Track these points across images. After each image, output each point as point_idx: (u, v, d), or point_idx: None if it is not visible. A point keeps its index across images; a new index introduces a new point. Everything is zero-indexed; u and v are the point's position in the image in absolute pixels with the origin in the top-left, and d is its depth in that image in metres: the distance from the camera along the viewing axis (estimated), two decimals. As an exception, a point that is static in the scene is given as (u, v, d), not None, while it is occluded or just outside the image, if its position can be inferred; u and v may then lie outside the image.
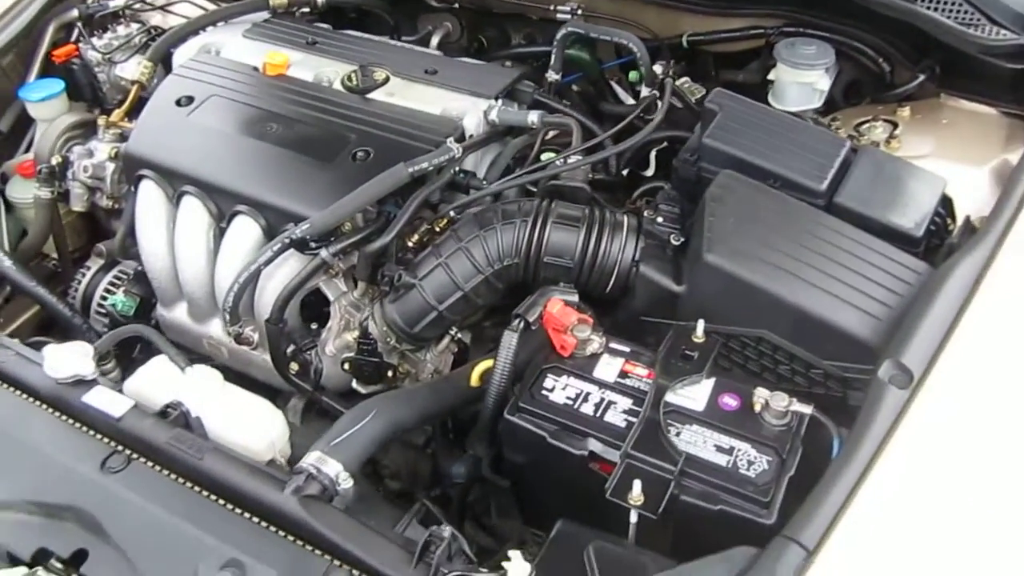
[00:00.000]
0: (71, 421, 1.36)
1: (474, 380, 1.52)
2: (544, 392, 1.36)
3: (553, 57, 2.00)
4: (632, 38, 1.90)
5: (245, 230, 1.68)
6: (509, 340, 1.40)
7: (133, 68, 2.12)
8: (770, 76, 1.89)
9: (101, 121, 1.93)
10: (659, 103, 1.85)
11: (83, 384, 1.38)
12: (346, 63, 1.94)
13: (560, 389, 1.37)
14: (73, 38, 2.19)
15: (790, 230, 1.46)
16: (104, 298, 1.94)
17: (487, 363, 1.51)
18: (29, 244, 1.92)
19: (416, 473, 1.72)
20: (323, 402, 1.67)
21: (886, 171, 1.54)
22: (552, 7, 2.12)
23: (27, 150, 2.12)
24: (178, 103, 1.85)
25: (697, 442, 1.27)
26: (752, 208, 1.49)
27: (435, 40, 2.39)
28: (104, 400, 1.36)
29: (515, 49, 2.30)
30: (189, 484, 1.26)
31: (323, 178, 1.67)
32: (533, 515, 1.47)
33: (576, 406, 1.34)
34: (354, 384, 1.65)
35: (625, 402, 1.34)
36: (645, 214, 1.58)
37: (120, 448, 1.31)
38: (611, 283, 1.55)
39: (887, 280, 1.39)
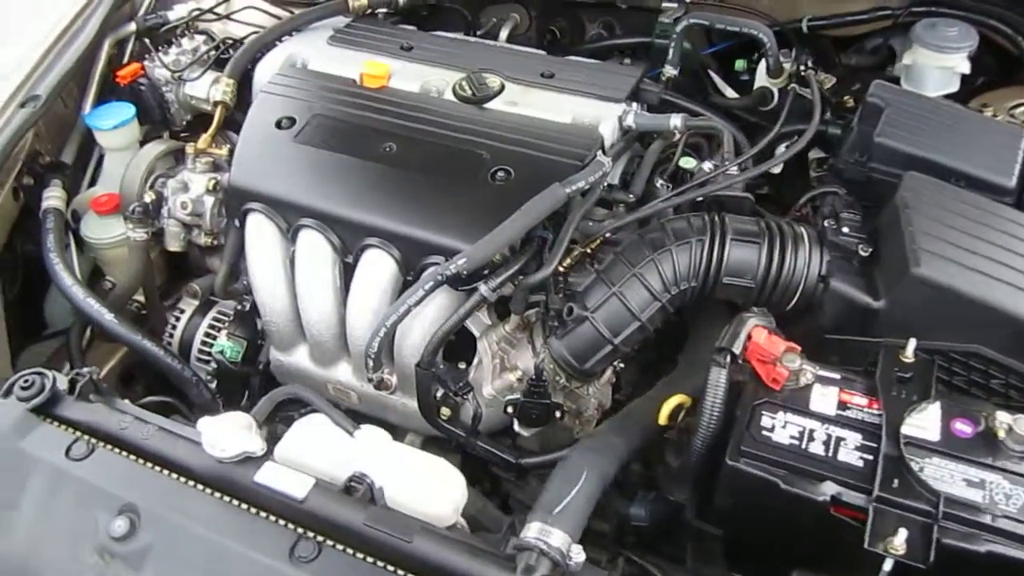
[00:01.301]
0: (244, 505, 1.22)
1: (663, 419, 1.41)
2: (765, 433, 1.25)
3: (671, 51, 1.87)
4: (761, 27, 1.78)
5: (378, 265, 1.55)
6: (718, 377, 1.28)
7: (206, 86, 1.94)
8: (905, 60, 1.78)
9: (190, 149, 1.76)
10: (789, 98, 1.73)
11: (251, 461, 1.24)
12: (450, 70, 1.80)
13: (780, 428, 1.26)
14: (131, 55, 2.00)
15: (994, 234, 1.36)
16: (206, 343, 1.79)
17: (677, 399, 1.40)
18: (123, 291, 1.75)
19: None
20: (478, 448, 1.55)
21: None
22: (661, -3, 1.98)
23: (92, 183, 1.94)
24: (278, 125, 1.70)
25: (944, 477, 1.17)
26: (948, 212, 1.38)
27: (503, 33, 2.26)
28: (281, 479, 1.22)
29: (605, 41, 2.15)
30: (397, 570, 1.14)
31: (462, 203, 1.54)
32: (740, 561, 1.37)
33: (804, 446, 1.23)
34: (516, 427, 1.53)
35: (854, 437, 1.24)
36: (825, 224, 1.46)
37: (308, 533, 1.18)
38: (794, 301, 1.44)
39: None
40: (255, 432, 1.27)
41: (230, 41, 1.97)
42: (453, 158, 1.60)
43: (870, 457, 1.21)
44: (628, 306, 1.43)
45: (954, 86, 1.76)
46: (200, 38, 2.02)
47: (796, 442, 1.24)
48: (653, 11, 2.14)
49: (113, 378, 1.90)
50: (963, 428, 1.23)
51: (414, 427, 1.67)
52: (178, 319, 1.82)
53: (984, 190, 1.43)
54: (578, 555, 1.14)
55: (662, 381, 1.53)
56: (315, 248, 1.58)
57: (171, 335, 1.82)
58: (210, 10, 2.03)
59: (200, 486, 1.25)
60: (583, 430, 1.55)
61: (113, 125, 1.84)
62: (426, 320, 1.50)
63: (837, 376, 1.32)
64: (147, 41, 1.95)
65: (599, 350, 1.45)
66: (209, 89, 1.95)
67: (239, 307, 1.81)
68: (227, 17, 2.04)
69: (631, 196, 1.61)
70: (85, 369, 1.41)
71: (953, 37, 1.71)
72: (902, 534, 1.10)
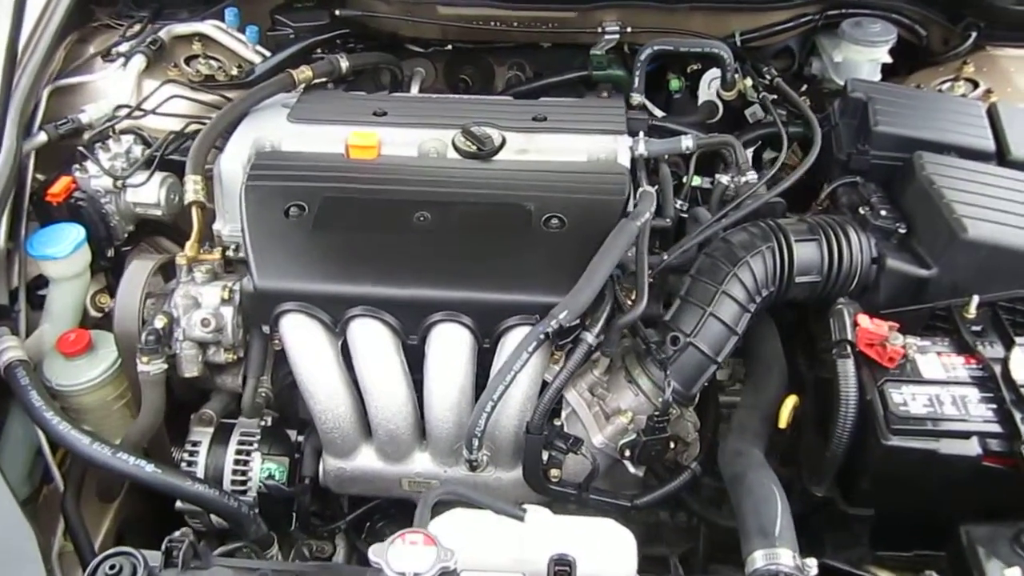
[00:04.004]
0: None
1: (783, 422, 1.45)
2: (903, 408, 1.33)
3: (636, 79, 1.93)
4: (721, 45, 1.90)
5: (453, 339, 1.45)
6: (848, 368, 1.34)
7: (155, 189, 1.73)
8: (836, 57, 1.98)
9: (182, 260, 1.54)
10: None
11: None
12: (437, 129, 1.73)
13: (911, 400, 1.34)
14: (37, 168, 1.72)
15: (1005, 191, 1.54)
16: (239, 472, 1.57)
17: (792, 401, 1.45)
18: (139, 436, 1.49)
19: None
20: (591, 501, 1.49)
21: (1030, 121, 1.68)
22: (600, 28, 2.04)
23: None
24: (286, 215, 1.54)
25: (1060, 411, 1.32)
26: (965, 180, 1.55)
27: (415, 88, 2.23)
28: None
29: (546, 80, 2.17)
30: None
31: (525, 257, 1.49)
32: (885, 540, 1.43)
33: (939, 411, 1.33)
34: (631, 469, 1.50)
35: (973, 392, 1.35)
36: (860, 210, 1.58)
37: None
38: (853, 285, 1.54)
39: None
40: (436, 546, 1.14)
41: (171, 136, 1.76)
42: (495, 215, 1.55)
43: (996, 406, 1.33)
44: (724, 323, 1.45)
45: (878, 76, 1.98)
46: (127, 138, 1.79)
47: (930, 409, 1.33)
48: (570, 46, 2.22)
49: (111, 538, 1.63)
50: (1048, 364, 1.38)
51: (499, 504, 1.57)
52: (194, 452, 1.59)
53: (972, 157, 1.62)
54: (812, 567, 1.14)
55: (745, 391, 1.57)
56: (375, 336, 1.46)
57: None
58: (137, 107, 1.80)
59: None
60: (687, 456, 1.54)
61: (69, 251, 1.58)
62: (522, 385, 1.43)
63: (928, 343, 1.44)
64: (81, 149, 1.70)
65: (704, 372, 1.46)
66: (160, 192, 1.74)
67: (263, 423, 1.62)
68: (151, 112, 1.82)
69: (667, 221, 1.64)
70: (177, 534, 1.20)
71: (877, 32, 1.93)
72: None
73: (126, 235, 1.78)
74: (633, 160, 1.67)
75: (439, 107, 1.83)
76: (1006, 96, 1.83)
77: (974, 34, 1.96)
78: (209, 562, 1.19)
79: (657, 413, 1.44)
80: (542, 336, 1.36)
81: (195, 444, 1.60)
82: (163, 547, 1.19)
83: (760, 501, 1.22)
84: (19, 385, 1.43)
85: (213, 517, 1.59)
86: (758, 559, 1.15)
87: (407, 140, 1.71)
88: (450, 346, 1.45)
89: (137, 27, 2.03)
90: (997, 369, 1.36)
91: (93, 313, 1.74)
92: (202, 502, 1.43)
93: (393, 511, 1.73)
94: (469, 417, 1.46)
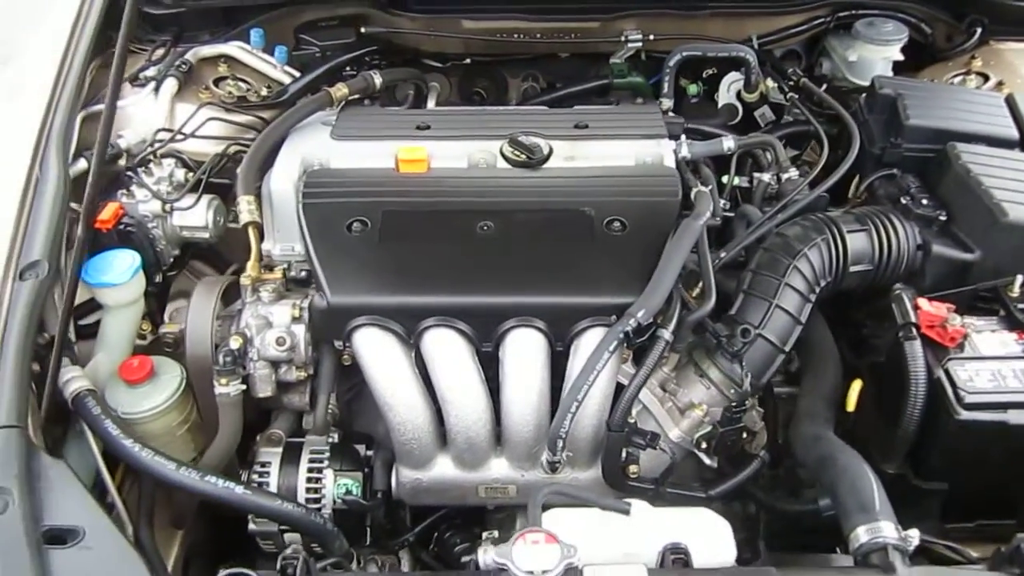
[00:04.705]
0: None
1: (851, 406, 1.51)
2: (970, 384, 1.39)
3: (665, 85, 1.99)
4: (746, 49, 1.96)
5: (528, 343, 1.48)
6: (916, 349, 1.41)
7: (202, 212, 1.73)
8: (850, 57, 2.06)
9: (246, 281, 1.54)
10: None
11: (572, 572, 1.14)
12: (482, 140, 1.76)
13: (976, 376, 1.41)
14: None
15: (1035, 176, 1.63)
16: (312, 490, 1.57)
17: (858, 385, 1.51)
18: (219, 456, 1.48)
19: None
20: (668, 495, 1.53)
21: (1046, 110, 1.78)
22: (623, 37, 2.09)
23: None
24: (349, 230, 1.56)
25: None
26: (999, 168, 1.63)
27: (431, 102, 2.24)
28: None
29: (568, 89, 2.21)
30: None
31: (592, 260, 1.52)
32: (956, 513, 1.49)
33: (1004, 384, 1.40)
34: (707, 460, 1.53)
35: (1030, 365, 1.43)
36: (903, 200, 1.65)
37: None
38: (901, 272, 1.61)
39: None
40: (559, 543, 1.16)
41: (218, 159, 1.76)
42: (557, 221, 1.58)
43: (1053, 377, 1.40)
44: (790, 313, 1.51)
45: (890, 73, 2.06)
46: (168, 162, 1.78)
47: (995, 383, 1.40)
48: (586, 56, 2.27)
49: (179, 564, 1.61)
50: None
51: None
52: (264, 473, 1.58)
53: (999, 145, 1.70)
54: (915, 538, 1.19)
55: (805, 380, 1.62)
56: (452, 345, 1.47)
57: (265, 493, 1.57)
58: (179, 131, 1.79)
59: None
60: (755, 445, 1.59)
61: (128, 278, 1.56)
62: (600, 385, 1.46)
63: (981, 323, 1.51)
64: (129, 174, 1.68)
65: (774, 362, 1.51)
66: (208, 215, 1.74)
67: (330, 440, 1.62)
68: (191, 135, 1.81)
69: (717, 219, 1.69)
70: (288, 551, 1.20)
71: (890, 31, 2.01)
72: None
73: (171, 260, 1.77)
74: (678, 162, 1.72)
75: (480, 119, 1.86)
76: (1016, 87, 1.92)
77: (979, 30, 2.06)
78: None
79: (734, 404, 1.48)
80: (622, 335, 1.39)
81: (264, 465, 1.59)
82: (279, 565, 1.19)
83: (856, 479, 1.27)
84: (91, 415, 1.41)
85: (286, 538, 1.58)
86: (862, 535, 1.19)
87: (455, 152, 1.73)
88: (527, 350, 1.47)
89: (160, 51, 2.02)
90: (1050, 343, 1.44)
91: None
92: (291, 521, 1.42)
93: (459, 520, 1.74)
94: (547, 420, 1.49)
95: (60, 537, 1.19)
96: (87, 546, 1.18)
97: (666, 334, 1.43)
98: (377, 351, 1.48)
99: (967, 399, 1.37)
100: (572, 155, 1.72)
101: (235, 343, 1.46)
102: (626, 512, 1.26)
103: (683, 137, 1.76)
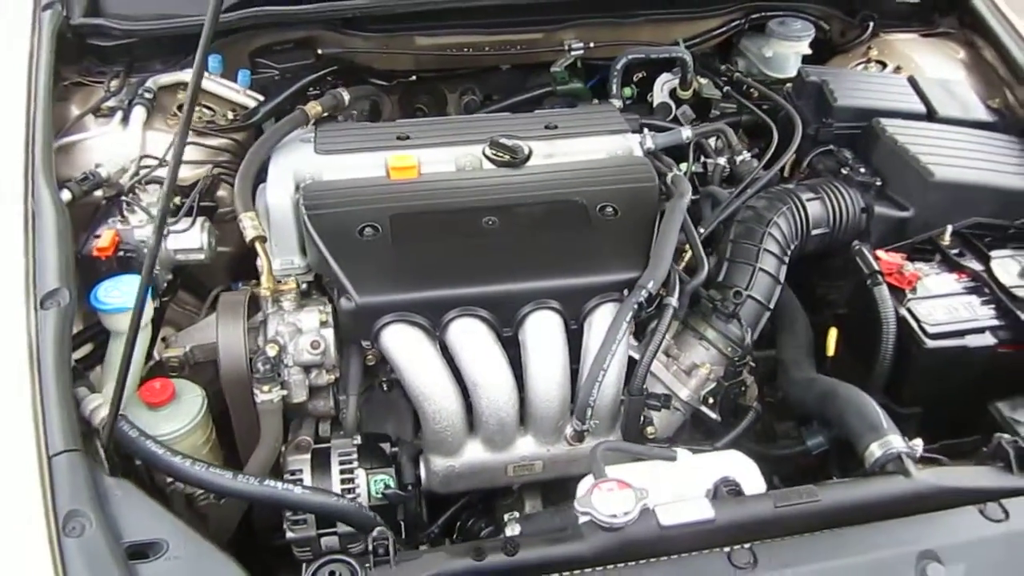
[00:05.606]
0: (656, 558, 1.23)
1: (831, 350, 1.70)
2: (931, 318, 1.62)
3: (614, 86, 2.15)
4: (683, 50, 2.16)
5: (548, 324, 1.59)
6: (884, 293, 1.62)
7: (197, 234, 1.74)
8: (766, 52, 2.31)
9: (266, 292, 1.57)
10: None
11: (647, 513, 1.25)
12: (463, 146, 1.85)
13: (933, 311, 1.64)
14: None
15: (951, 141, 1.90)
16: (346, 491, 1.60)
17: (834, 332, 1.71)
18: (262, 464, 1.49)
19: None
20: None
21: (944, 89, 2.06)
22: (567, 46, 2.24)
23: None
24: (361, 234, 1.62)
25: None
26: (918, 136, 1.89)
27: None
28: (684, 512, 1.25)
29: (508, 100, 2.34)
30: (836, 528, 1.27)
31: (593, 243, 1.65)
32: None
33: (957, 315, 1.63)
34: (712, 415, 1.68)
35: (974, 299, 1.67)
36: (843, 172, 1.88)
37: (736, 546, 1.24)
38: (850, 233, 1.83)
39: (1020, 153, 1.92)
40: (632, 488, 1.27)
41: (207, 181, 1.78)
42: (555, 211, 1.70)
43: (995, 305, 1.65)
44: (771, 274, 1.69)
45: (800, 65, 2.32)
46: (153, 188, 1.78)
47: (951, 315, 1.63)
48: (525, 68, 2.42)
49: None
50: (1015, 265, 1.73)
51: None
52: (297, 481, 1.60)
53: (911, 119, 1.97)
54: (919, 446, 1.38)
55: (781, 337, 1.81)
56: (477, 333, 1.56)
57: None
58: (164, 158, 1.79)
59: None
60: (749, 397, 1.76)
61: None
62: (617, 355, 1.58)
63: (923, 266, 1.75)
64: (125, 202, 1.68)
65: (761, 318, 1.69)
66: (202, 237, 1.75)
67: (356, 442, 1.66)
68: (163, 161, 1.82)
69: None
70: (375, 533, 1.26)
71: (799, 29, 2.27)
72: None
73: (166, 284, 1.77)
74: (645, 152, 1.88)
75: (455, 126, 1.95)
76: (911, 71, 2.21)
77: (871, 24, 2.35)
78: (414, 553, 1.25)
79: (736, 359, 1.64)
80: (635, 306, 1.53)
81: (295, 472, 1.61)
82: (371, 547, 1.24)
83: (861, 405, 1.45)
84: (128, 438, 1.40)
85: (324, 542, 1.60)
86: (876, 450, 1.37)
87: (440, 158, 1.82)
88: (547, 330, 1.58)
89: (115, 82, 2.01)
90: (985, 277, 1.70)
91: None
92: (349, 517, 1.45)
93: (480, 507, 1.81)
94: (570, 394, 1.60)
95: (142, 552, 1.20)
96: (175, 556, 1.20)
97: (673, 301, 1.57)
98: (408, 345, 1.54)
99: (931, 330, 1.60)
100: (551, 153, 1.85)
101: (271, 350, 1.49)
102: (673, 459, 1.38)
103: (646, 131, 1.93)
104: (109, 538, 1.18)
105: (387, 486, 1.60)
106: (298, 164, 1.79)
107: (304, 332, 1.55)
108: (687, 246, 1.72)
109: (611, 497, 1.25)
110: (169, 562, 1.19)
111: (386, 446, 1.69)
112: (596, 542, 1.23)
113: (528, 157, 1.83)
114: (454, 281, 1.57)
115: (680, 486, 1.37)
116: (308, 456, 1.63)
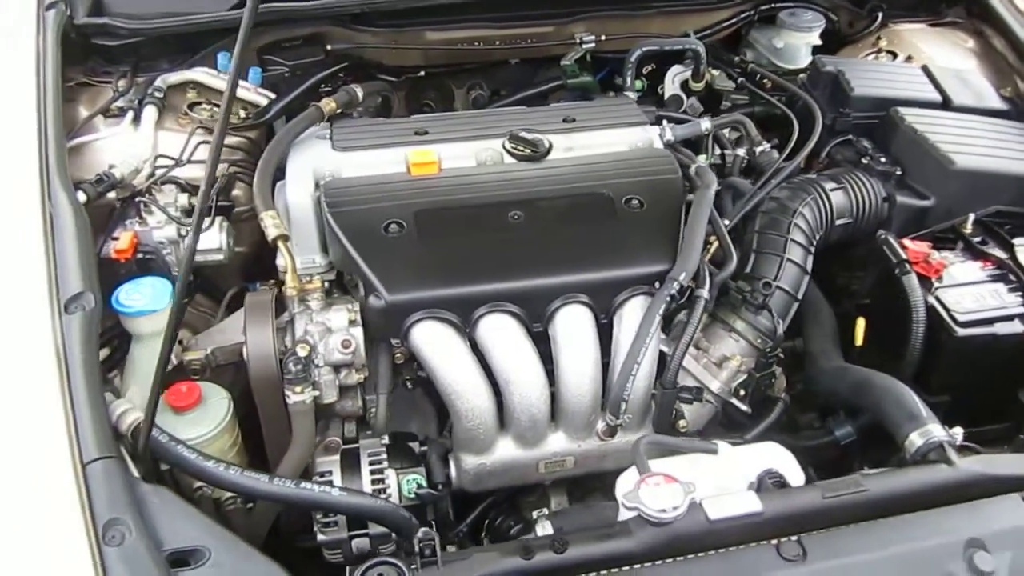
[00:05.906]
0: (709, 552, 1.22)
1: (859, 340, 1.70)
2: (960, 306, 1.62)
3: (628, 78, 2.13)
4: (696, 42, 2.15)
5: (578, 318, 1.57)
6: (913, 282, 1.62)
7: (215, 234, 1.71)
8: (776, 44, 2.30)
9: (292, 292, 1.54)
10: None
11: (694, 508, 1.24)
12: (482, 140, 1.83)
13: (962, 299, 1.64)
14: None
15: (967, 129, 1.90)
16: (377, 492, 1.58)
17: (862, 323, 1.71)
18: (295, 466, 1.46)
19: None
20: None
21: (957, 78, 2.07)
22: (578, 40, 2.22)
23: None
24: (386, 231, 1.60)
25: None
26: (937, 125, 1.89)
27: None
28: (731, 506, 1.24)
29: (519, 94, 2.32)
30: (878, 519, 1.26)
31: (621, 235, 1.64)
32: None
33: (984, 304, 1.63)
34: (743, 407, 1.67)
35: (1000, 287, 1.67)
36: (863, 161, 1.87)
37: (784, 539, 1.23)
38: (873, 222, 1.82)
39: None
40: (679, 482, 1.26)
41: (224, 180, 1.74)
42: (581, 204, 1.68)
43: (1022, 292, 1.65)
44: (799, 264, 1.69)
45: (810, 56, 2.32)
46: (169, 188, 1.75)
47: (979, 303, 1.63)
48: (534, 62, 2.40)
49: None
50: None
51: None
52: (327, 483, 1.57)
53: (927, 107, 1.97)
54: (959, 434, 1.38)
55: (807, 328, 1.80)
56: (508, 328, 1.54)
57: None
58: (180, 157, 1.76)
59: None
60: (778, 388, 1.75)
61: (166, 303, 1.52)
62: (649, 348, 1.57)
63: (951, 256, 1.75)
64: (143, 203, 1.64)
65: (790, 309, 1.69)
66: (221, 236, 1.72)
67: (384, 442, 1.64)
68: (189, 160, 1.79)
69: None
70: (419, 533, 1.24)
71: (810, 20, 2.27)
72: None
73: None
74: (666, 144, 1.87)
75: (472, 121, 1.93)
76: (921, 60, 2.22)
77: (880, 15, 2.35)
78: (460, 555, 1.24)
79: (767, 350, 1.63)
80: (667, 298, 1.52)
81: (324, 475, 1.58)
82: (416, 548, 1.22)
83: (898, 395, 1.45)
84: (160, 444, 1.37)
85: (355, 543, 1.58)
86: (916, 440, 1.37)
87: (460, 153, 1.80)
88: (578, 324, 1.56)
89: (123, 82, 1.97)
90: (1011, 264, 1.70)
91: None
92: (385, 518, 1.42)
93: (506, 505, 1.79)
94: (601, 388, 1.59)
95: (183, 560, 1.17)
96: (218, 563, 1.17)
97: (704, 293, 1.56)
98: (439, 343, 1.52)
99: (961, 318, 1.60)
100: (570, 146, 1.84)
101: (302, 351, 1.46)
102: (715, 452, 1.37)
103: (664, 122, 1.92)
104: (150, 546, 1.15)
105: (419, 485, 1.58)
106: (317, 161, 1.76)
107: (334, 331, 1.53)
108: (712, 238, 1.71)
109: (659, 492, 1.24)
110: (212, 569, 1.16)
111: (415, 445, 1.67)
112: (644, 537, 1.21)
113: (549, 151, 1.81)
114: (483, 277, 1.56)
115: (722, 479, 1.36)
116: (337, 457, 1.61)
